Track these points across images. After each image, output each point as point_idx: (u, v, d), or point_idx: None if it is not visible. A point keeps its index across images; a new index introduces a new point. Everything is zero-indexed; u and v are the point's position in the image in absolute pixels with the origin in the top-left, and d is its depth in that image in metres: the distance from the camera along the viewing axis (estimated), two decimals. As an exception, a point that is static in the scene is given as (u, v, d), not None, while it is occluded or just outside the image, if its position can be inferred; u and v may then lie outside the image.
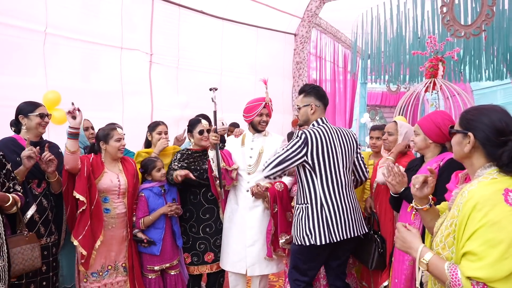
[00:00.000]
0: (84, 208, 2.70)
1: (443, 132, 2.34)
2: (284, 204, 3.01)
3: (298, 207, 2.70)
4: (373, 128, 3.57)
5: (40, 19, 4.16)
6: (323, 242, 2.55)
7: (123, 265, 2.92)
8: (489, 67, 8.31)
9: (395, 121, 3.08)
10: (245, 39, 7.14)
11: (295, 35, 8.17)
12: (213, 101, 2.99)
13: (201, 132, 3.22)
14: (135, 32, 5.21)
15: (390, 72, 9.00)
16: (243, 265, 3.05)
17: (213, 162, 3.00)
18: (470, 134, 1.41)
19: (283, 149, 2.65)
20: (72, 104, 2.72)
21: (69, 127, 2.67)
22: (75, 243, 2.71)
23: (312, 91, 2.74)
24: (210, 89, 3.00)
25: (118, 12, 4.98)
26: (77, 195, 2.69)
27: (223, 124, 5.71)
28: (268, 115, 3.12)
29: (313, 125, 2.71)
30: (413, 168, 2.49)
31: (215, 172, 3.01)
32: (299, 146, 2.57)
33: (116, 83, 5.03)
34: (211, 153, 3.02)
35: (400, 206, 2.47)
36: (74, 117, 2.66)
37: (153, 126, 3.45)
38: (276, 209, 2.98)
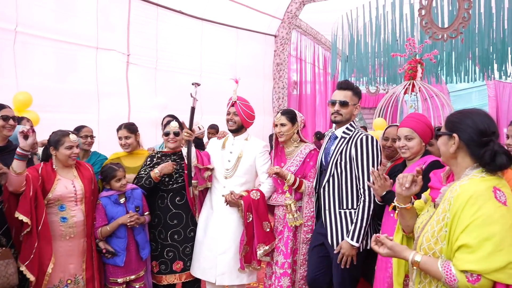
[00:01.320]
0: (29, 229, 2.46)
1: (433, 133, 2.34)
2: (260, 214, 2.87)
3: (353, 211, 2.55)
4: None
5: (10, 17, 4.00)
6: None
7: (83, 277, 2.71)
8: (466, 69, 8.46)
9: (396, 126, 2.90)
10: (225, 40, 7.06)
11: (275, 36, 8.14)
12: (192, 96, 2.84)
13: (166, 134, 3.08)
14: (111, 31, 5.08)
15: (369, 74, 9.06)
16: (213, 273, 2.93)
17: (186, 159, 2.91)
18: (455, 135, 1.50)
19: (368, 166, 2.48)
20: (28, 121, 2.52)
21: (19, 147, 2.40)
22: (22, 268, 2.43)
23: (359, 92, 2.67)
24: (193, 84, 2.85)
25: (93, 11, 4.84)
26: (20, 216, 2.41)
27: (199, 129, 5.61)
28: (237, 114, 2.98)
29: (354, 126, 2.64)
30: (395, 173, 2.38)
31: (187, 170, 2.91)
32: (381, 153, 2.54)
33: (92, 84, 4.89)
34: (184, 150, 2.93)
35: (383, 213, 2.40)
36: (26, 138, 2.41)
37: (116, 130, 3.27)
38: (251, 218, 2.86)
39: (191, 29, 6.37)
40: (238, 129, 3.05)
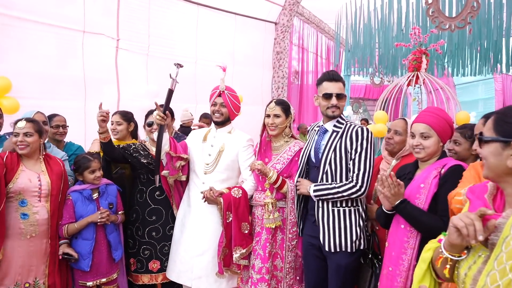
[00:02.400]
0: None
1: (452, 132, 2.08)
2: (239, 214, 2.66)
3: (347, 209, 2.36)
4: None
5: (-13, -3, 3.76)
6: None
7: (45, 283, 2.48)
8: (473, 61, 8.15)
9: (404, 119, 2.69)
10: (223, 26, 6.77)
11: (275, 23, 7.84)
12: (171, 77, 2.60)
13: (149, 124, 2.92)
14: (99, 14, 4.80)
15: (374, 65, 8.77)
16: (189, 276, 2.72)
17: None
18: None
19: (364, 158, 2.30)
20: None
21: None
22: None
23: (344, 83, 2.50)
24: (175, 64, 2.62)
25: (80, -9, 4.57)
26: None
27: (191, 115, 5.37)
28: (225, 105, 2.78)
29: (344, 119, 2.45)
30: (405, 176, 2.13)
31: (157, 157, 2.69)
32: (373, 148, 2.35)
33: (78, 70, 4.64)
34: (154, 135, 2.71)
35: (390, 222, 2.12)
36: None
37: (111, 115, 3.15)
38: (231, 219, 2.63)
39: (186, 14, 6.09)
40: (224, 121, 2.84)
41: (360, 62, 8.90)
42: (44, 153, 2.58)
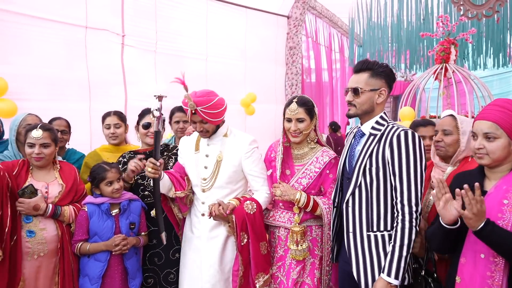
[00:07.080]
0: None
1: None
2: (257, 233, 2.18)
3: (387, 233, 1.90)
4: (424, 124, 2.63)
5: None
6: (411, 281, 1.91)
7: None
8: (496, 53, 7.70)
9: (451, 115, 2.21)
10: (233, 21, 6.41)
11: (288, 17, 7.44)
12: (153, 116, 2.12)
13: (146, 126, 2.50)
14: (103, 8, 4.46)
15: (390, 59, 8.34)
16: None
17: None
18: None
19: (414, 175, 1.81)
20: None
21: None
22: None
23: (385, 71, 1.96)
24: (155, 96, 2.12)
25: (82, -16, 4.23)
26: None
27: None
28: (205, 121, 2.19)
29: (386, 119, 1.96)
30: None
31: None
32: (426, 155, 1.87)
33: (81, 70, 4.30)
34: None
35: (452, 243, 1.67)
36: None
37: (103, 118, 2.82)
38: (246, 240, 2.16)
39: (195, 8, 5.73)
40: (214, 132, 2.32)
41: (375, 57, 8.48)
42: (58, 160, 2.39)
